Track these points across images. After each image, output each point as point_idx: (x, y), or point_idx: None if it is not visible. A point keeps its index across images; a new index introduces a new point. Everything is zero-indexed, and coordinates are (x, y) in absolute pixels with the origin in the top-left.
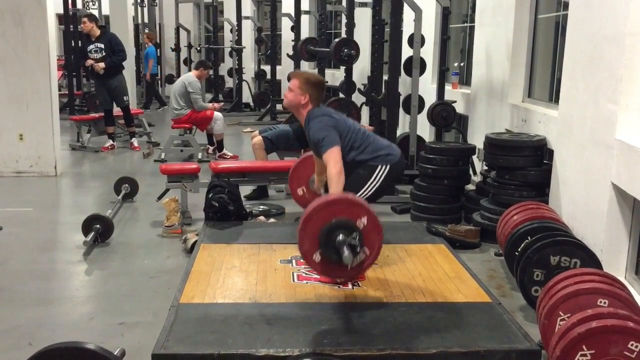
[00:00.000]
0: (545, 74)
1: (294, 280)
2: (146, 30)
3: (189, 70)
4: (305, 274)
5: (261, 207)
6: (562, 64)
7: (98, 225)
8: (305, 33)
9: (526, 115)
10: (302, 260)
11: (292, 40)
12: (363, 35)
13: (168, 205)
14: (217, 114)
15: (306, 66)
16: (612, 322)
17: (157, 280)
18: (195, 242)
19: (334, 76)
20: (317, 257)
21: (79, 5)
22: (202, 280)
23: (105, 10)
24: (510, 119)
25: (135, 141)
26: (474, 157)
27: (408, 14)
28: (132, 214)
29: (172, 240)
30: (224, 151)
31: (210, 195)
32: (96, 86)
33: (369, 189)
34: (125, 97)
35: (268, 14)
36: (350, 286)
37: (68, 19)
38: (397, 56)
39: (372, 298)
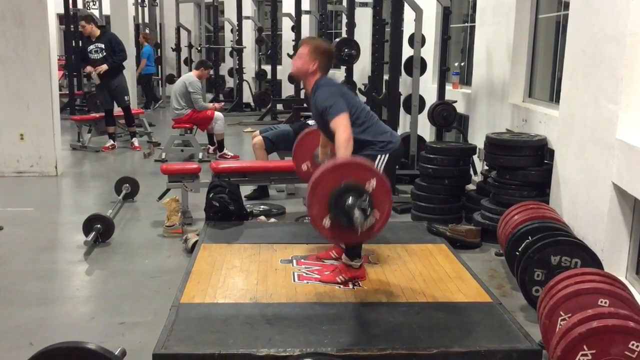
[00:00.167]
0: (545, 73)
1: (294, 280)
2: (146, 30)
3: (190, 70)
4: (306, 274)
5: (262, 207)
6: (563, 64)
7: (99, 225)
8: (305, 33)
9: (527, 115)
10: (302, 260)
11: (293, 40)
12: (363, 35)
13: (169, 205)
14: (218, 114)
15: None
16: (613, 322)
17: (158, 280)
18: (196, 242)
19: (335, 76)
20: (326, 222)
21: (80, 5)
22: (202, 280)
23: (106, 10)
24: (511, 118)
25: (135, 141)
26: (475, 157)
27: (409, 14)
28: (132, 213)
29: (173, 240)
30: (225, 151)
31: (210, 195)
32: (97, 86)
33: None
34: (126, 97)
35: (269, 13)
36: (351, 286)
37: (69, 19)
38: (397, 56)
39: (372, 298)
